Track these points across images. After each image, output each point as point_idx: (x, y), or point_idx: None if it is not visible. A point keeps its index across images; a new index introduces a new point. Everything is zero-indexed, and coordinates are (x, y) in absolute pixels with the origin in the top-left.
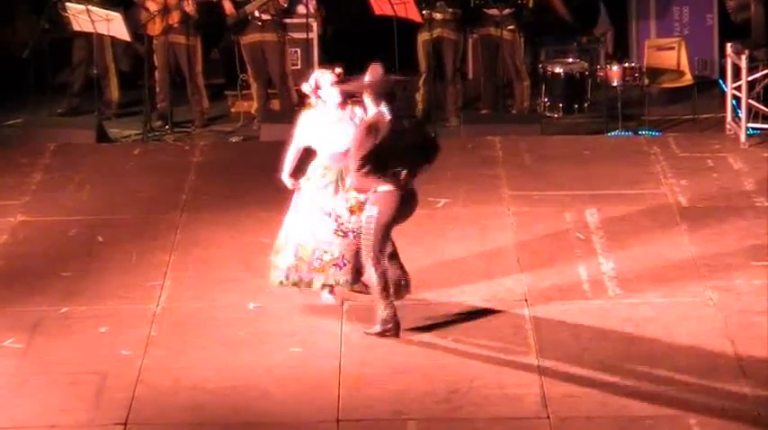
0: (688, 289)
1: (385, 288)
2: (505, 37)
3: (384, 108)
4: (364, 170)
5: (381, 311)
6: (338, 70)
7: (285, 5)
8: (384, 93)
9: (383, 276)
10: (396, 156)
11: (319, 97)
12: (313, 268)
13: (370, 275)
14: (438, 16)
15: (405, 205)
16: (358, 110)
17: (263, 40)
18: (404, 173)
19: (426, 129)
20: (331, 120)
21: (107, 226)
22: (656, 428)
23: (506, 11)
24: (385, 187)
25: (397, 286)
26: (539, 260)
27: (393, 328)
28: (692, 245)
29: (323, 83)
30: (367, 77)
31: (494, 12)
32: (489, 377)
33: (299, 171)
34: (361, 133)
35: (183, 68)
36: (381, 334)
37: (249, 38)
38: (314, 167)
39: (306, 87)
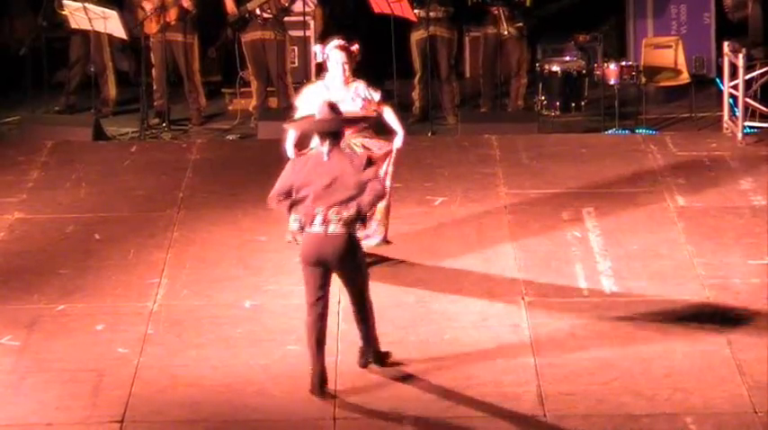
0: (685, 287)
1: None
2: (507, 35)
3: (324, 148)
4: (275, 203)
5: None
6: (355, 46)
7: (286, 4)
8: (328, 132)
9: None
10: (316, 195)
11: (327, 69)
12: None
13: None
14: (431, 15)
15: (316, 248)
16: (361, 87)
17: (264, 37)
18: (321, 213)
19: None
20: (333, 97)
21: (104, 223)
22: (653, 427)
23: (507, 9)
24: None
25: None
26: (536, 258)
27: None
28: (688, 243)
29: (328, 48)
30: (315, 116)
31: (495, 10)
32: (486, 375)
33: (301, 146)
34: (288, 166)
35: (180, 66)
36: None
37: (250, 35)
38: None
39: (319, 56)
